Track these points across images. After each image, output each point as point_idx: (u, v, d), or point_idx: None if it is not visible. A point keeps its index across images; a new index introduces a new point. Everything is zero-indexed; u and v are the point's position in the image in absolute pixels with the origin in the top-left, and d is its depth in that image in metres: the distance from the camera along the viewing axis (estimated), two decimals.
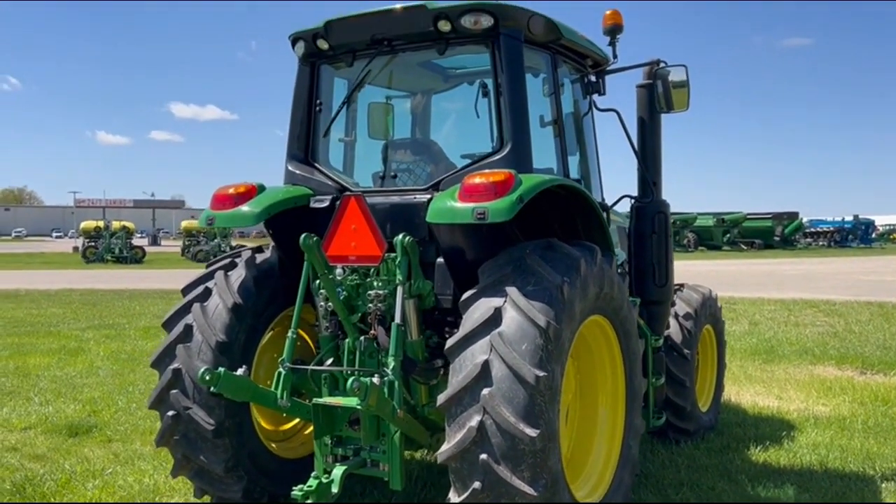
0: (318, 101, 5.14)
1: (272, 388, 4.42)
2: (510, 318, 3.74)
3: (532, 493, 3.57)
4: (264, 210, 4.62)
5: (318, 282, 4.59)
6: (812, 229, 67.71)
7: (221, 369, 4.11)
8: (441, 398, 3.78)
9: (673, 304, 6.36)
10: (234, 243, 45.82)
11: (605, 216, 4.89)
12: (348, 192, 4.72)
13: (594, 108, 5.75)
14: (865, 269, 33.56)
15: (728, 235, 58.28)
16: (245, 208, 4.64)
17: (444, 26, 4.52)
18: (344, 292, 4.59)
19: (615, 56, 5.50)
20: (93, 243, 45.77)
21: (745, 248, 57.30)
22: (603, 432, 4.65)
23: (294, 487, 4.17)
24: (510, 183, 3.95)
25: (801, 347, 11.68)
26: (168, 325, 4.75)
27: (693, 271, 26.43)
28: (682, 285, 6.97)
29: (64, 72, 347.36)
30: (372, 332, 4.50)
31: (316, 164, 5.09)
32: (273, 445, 5.04)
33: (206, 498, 4.88)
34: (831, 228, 67.92)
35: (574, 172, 5.21)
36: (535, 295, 3.79)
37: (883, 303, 17.70)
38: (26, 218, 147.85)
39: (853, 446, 6.50)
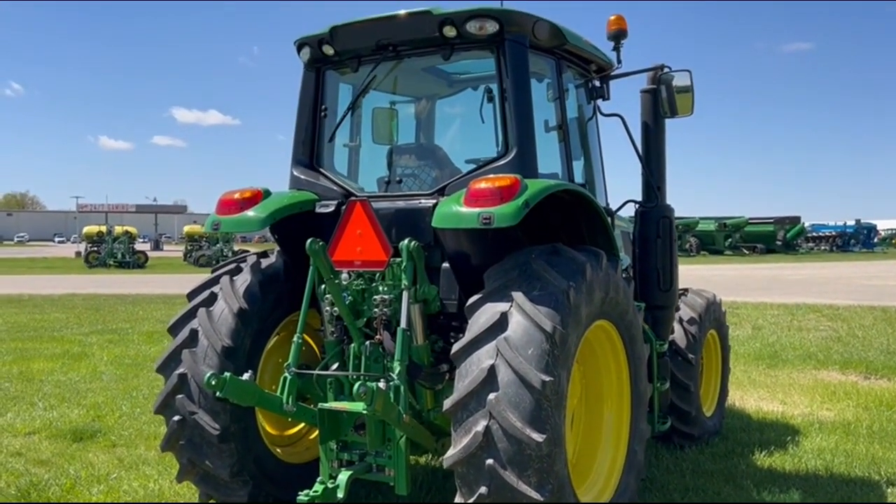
0: (323, 107, 5.15)
1: (277, 393, 4.42)
2: (516, 322, 3.75)
3: (538, 497, 3.56)
4: (270, 215, 4.63)
5: (323, 287, 4.59)
6: (814, 234, 67.65)
7: (227, 374, 4.11)
8: (447, 403, 3.78)
9: (677, 309, 6.36)
10: (236, 248, 45.86)
11: (609, 221, 4.90)
12: (354, 197, 4.72)
13: (598, 113, 5.75)
14: (868, 273, 33.53)
15: (730, 240, 58.26)
16: (251, 213, 4.65)
17: (450, 32, 4.53)
18: (349, 297, 4.60)
19: (619, 61, 5.51)
20: (95, 248, 45.86)
21: (746, 252, 57.28)
22: (608, 437, 4.64)
23: (300, 492, 4.17)
24: (516, 188, 3.95)
25: (805, 352, 11.67)
26: (174, 329, 4.76)
27: (695, 276, 26.43)
28: (686, 290, 6.96)
29: (66, 77, 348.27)
30: (377, 336, 4.51)
31: (321, 170, 5.10)
32: (278, 450, 5.04)
33: (212, 503, 4.88)
34: (833, 233, 67.87)
35: (579, 177, 5.22)
36: (542, 300, 3.80)
37: (886, 307, 17.68)
38: (29, 223, 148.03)
39: (858, 451, 6.49)
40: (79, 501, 5.50)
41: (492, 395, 3.63)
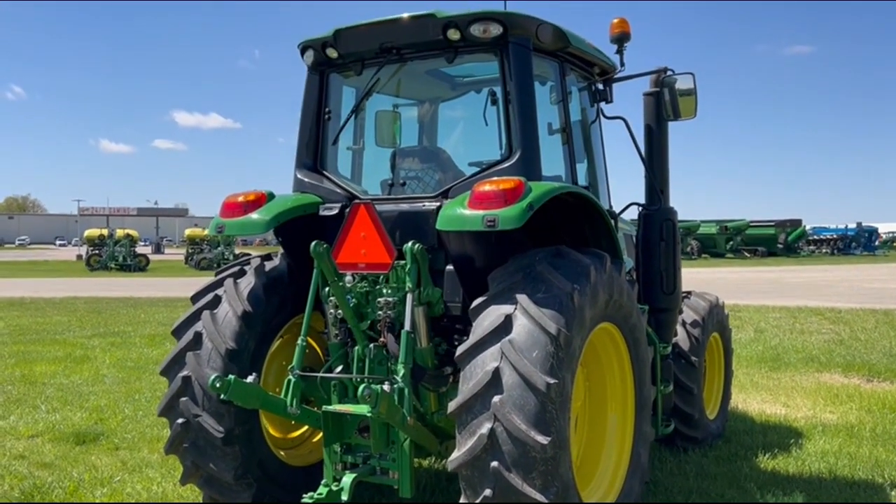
0: (326, 110, 5.16)
1: (281, 396, 4.42)
2: (521, 325, 3.75)
3: (543, 500, 3.56)
4: (274, 218, 4.64)
5: (327, 289, 4.60)
6: (815, 237, 67.57)
7: (231, 377, 4.11)
8: (452, 405, 3.78)
9: (680, 312, 6.36)
10: (237, 251, 45.92)
11: (613, 223, 4.90)
12: (358, 200, 4.73)
13: (602, 116, 5.76)
14: (869, 276, 33.51)
15: (731, 243, 58.24)
16: (255, 216, 4.65)
17: (454, 35, 4.54)
18: (353, 300, 4.60)
19: (622, 64, 5.52)
20: (97, 251, 45.93)
21: (748, 255, 57.26)
22: (612, 440, 4.64)
23: (304, 495, 4.18)
24: (520, 190, 3.96)
25: (807, 355, 11.66)
26: (178, 332, 4.76)
27: (697, 279, 26.41)
28: (689, 293, 6.97)
29: (67, 80, 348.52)
30: (381, 339, 4.51)
31: (325, 172, 5.11)
32: (282, 453, 5.04)
33: None
34: (834, 236, 67.77)
35: (582, 180, 5.22)
36: (546, 302, 3.80)
37: (888, 310, 17.67)
38: (30, 226, 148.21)
39: (862, 454, 6.48)
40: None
41: (496, 398, 3.63)
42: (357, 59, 5.00)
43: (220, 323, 4.63)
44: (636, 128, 5.87)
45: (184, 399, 4.57)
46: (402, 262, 4.42)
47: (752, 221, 60.41)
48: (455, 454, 3.73)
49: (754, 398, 8.78)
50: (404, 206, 4.69)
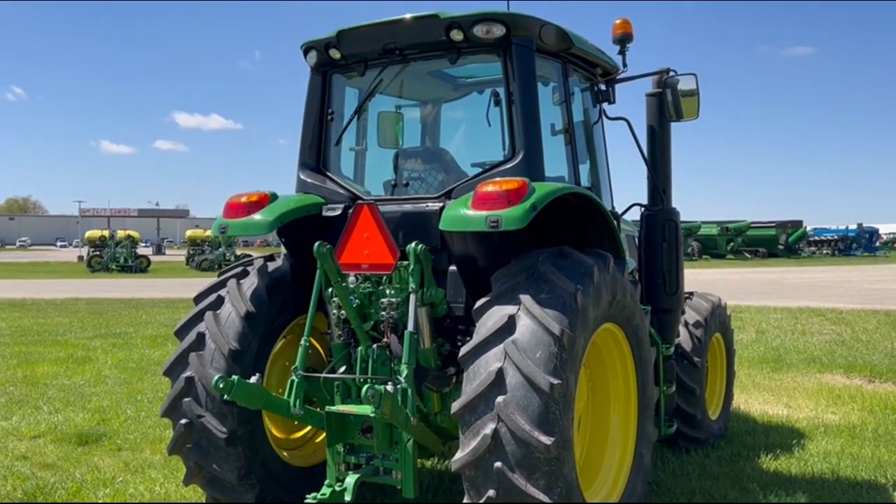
0: (329, 111, 5.17)
1: (285, 397, 4.42)
2: (524, 325, 3.75)
3: (547, 500, 3.56)
4: (277, 218, 4.64)
5: (330, 290, 4.60)
6: (816, 238, 67.54)
7: (235, 377, 4.12)
8: (455, 406, 3.78)
9: (683, 313, 6.36)
10: (238, 252, 45.91)
11: (616, 224, 4.90)
12: (361, 201, 4.73)
13: (604, 117, 5.76)
14: (870, 277, 33.49)
15: (732, 244, 58.22)
16: (258, 217, 4.65)
17: (457, 35, 4.55)
18: (357, 300, 4.60)
19: (625, 65, 5.53)
20: (98, 252, 45.90)
21: (749, 256, 57.25)
22: (615, 440, 4.65)
23: (307, 496, 4.18)
24: (523, 191, 3.96)
25: (809, 356, 11.66)
26: (181, 333, 4.77)
27: (698, 280, 26.35)
28: (691, 293, 6.97)
29: (67, 81, 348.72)
30: (385, 339, 4.51)
31: (328, 173, 5.12)
32: (285, 453, 5.05)
33: None
34: (835, 237, 67.74)
35: (585, 180, 5.23)
36: (549, 303, 3.80)
37: (889, 311, 17.66)
38: (31, 227, 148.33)
39: (864, 454, 6.48)
40: None
41: (500, 398, 3.63)
42: (360, 60, 5.00)
43: (224, 323, 4.63)
44: (639, 129, 5.88)
45: (187, 399, 4.57)
46: (406, 262, 4.42)
47: (752, 222, 60.43)
48: (458, 454, 3.73)
49: (756, 399, 8.78)
50: (407, 207, 4.69)
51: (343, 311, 4.61)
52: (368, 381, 4.33)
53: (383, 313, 4.51)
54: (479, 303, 4.01)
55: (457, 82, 5.63)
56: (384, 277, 4.57)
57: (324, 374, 4.60)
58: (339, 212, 4.82)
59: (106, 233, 47.33)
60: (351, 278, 4.60)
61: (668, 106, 5.77)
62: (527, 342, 3.69)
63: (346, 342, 4.74)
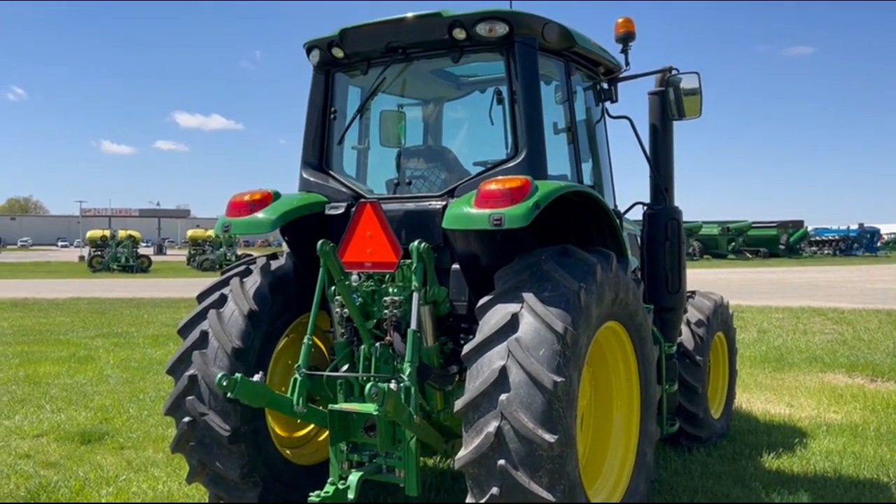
0: (332, 109, 5.17)
1: (288, 395, 4.43)
2: (527, 323, 3.75)
3: (550, 498, 3.56)
4: (280, 217, 4.64)
5: (333, 288, 4.60)
6: (817, 238, 67.58)
7: (238, 375, 4.12)
8: (458, 404, 3.78)
9: (685, 312, 6.36)
10: (239, 252, 45.92)
11: (618, 222, 4.91)
12: (364, 199, 4.73)
13: (607, 116, 5.77)
14: (871, 277, 33.49)
15: (733, 244, 58.25)
16: (261, 215, 4.66)
17: (459, 34, 4.55)
18: (360, 298, 4.61)
19: (627, 63, 5.54)
20: (99, 252, 45.91)
21: (750, 256, 57.27)
22: (618, 439, 4.65)
23: (310, 494, 4.18)
24: (526, 189, 3.97)
25: (811, 355, 11.66)
26: (184, 331, 4.77)
27: (700, 279, 26.37)
28: (693, 292, 6.97)
29: (68, 82, 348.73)
30: (387, 338, 4.52)
31: (330, 172, 5.12)
32: (288, 452, 5.05)
33: None
34: (836, 237, 67.78)
35: (587, 179, 5.23)
36: (552, 301, 3.80)
37: (891, 311, 17.66)
38: (32, 227, 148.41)
39: (866, 453, 6.48)
40: (88, 503, 5.51)
41: (503, 396, 3.63)
42: (363, 59, 5.01)
43: (227, 322, 4.64)
44: (641, 127, 5.89)
45: (190, 398, 4.57)
46: (409, 260, 4.42)
47: (753, 222, 60.48)
48: (462, 452, 3.73)
49: (758, 398, 8.78)
50: (410, 205, 4.69)
51: (346, 310, 4.61)
52: (371, 379, 4.33)
53: (386, 311, 4.51)
54: (482, 301, 4.01)
55: (459, 81, 5.63)
56: (387, 276, 4.58)
57: (327, 373, 4.61)
58: (341, 210, 4.83)
59: (107, 233, 47.34)
60: (354, 277, 4.61)
61: (670, 104, 5.78)
62: (530, 340, 3.69)
63: (349, 340, 4.74)
